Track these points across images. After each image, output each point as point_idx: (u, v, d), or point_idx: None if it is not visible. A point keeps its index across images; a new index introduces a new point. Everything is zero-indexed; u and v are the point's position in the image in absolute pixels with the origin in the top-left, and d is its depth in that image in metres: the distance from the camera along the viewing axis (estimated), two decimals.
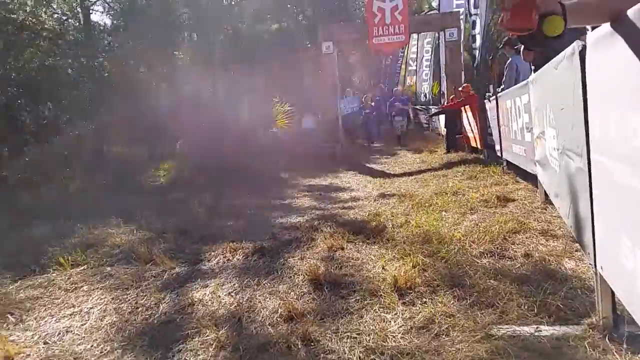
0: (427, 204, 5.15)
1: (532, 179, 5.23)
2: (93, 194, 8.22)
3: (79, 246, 4.47)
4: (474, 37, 13.07)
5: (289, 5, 19.85)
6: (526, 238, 3.57)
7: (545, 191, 4.34)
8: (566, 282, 2.75)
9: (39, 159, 9.69)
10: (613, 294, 2.08)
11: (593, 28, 1.83)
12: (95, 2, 13.69)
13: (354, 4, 23.28)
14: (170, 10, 12.53)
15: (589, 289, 2.60)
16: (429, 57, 18.82)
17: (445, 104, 11.95)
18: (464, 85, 10.40)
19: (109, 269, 3.85)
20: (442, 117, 12.16)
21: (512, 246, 3.42)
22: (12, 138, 10.36)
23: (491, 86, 9.16)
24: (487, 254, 3.29)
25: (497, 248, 3.39)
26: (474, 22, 13.02)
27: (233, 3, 16.16)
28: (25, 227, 5.76)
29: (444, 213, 4.68)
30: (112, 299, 3.20)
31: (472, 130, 9.44)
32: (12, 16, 10.71)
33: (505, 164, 6.79)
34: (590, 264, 2.42)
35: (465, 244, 3.51)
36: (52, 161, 9.81)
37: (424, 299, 2.69)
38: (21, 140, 10.43)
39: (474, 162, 7.91)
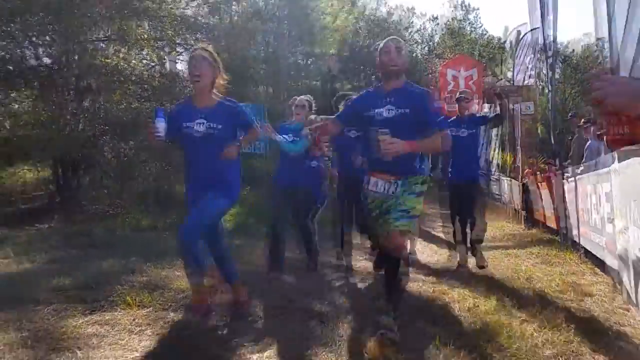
0: (497, 288, 4.93)
1: (613, 271, 4.89)
2: (163, 233, 8.55)
3: (147, 286, 4.61)
4: (550, 111, 12.87)
5: (362, 66, 20.52)
6: (606, 344, 3.31)
7: (627, 291, 4.04)
8: None
9: (116, 193, 10.31)
10: None
11: None
12: (181, 52, 14.83)
13: (425, 69, 23.70)
14: (249, 65, 13.31)
15: None
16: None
17: (521, 177, 11.60)
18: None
19: (172, 314, 3.92)
20: (517, 190, 11.78)
21: (590, 352, 3.17)
22: (93, 170, 11.13)
23: (567, 163, 8.84)
24: (560, 357, 3.06)
25: (572, 352, 3.14)
26: (549, 99, 12.87)
27: (309, 62, 16.98)
28: (99, 260, 6.03)
29: (515, 301, 4.45)
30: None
31: (548, 208, 9.07)
32: (107, 61, 11.78)
33: (583, 251, 6.41)
34: None
35: (538, 342, 3.30)
36: (128, 197, 10.37)
37: None
38: (101, 174, 11.18)
39: (548, 244, 7.53)
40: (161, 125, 3.50)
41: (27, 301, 3.96)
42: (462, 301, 4.38)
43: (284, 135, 5.18)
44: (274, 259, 5.45)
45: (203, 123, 3.59)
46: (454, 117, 6.08)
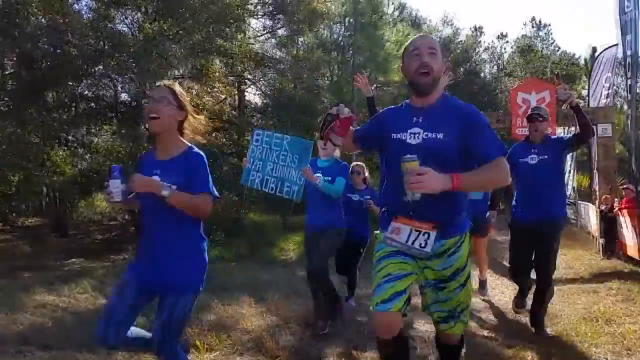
0: (573, 332, 4.57)
1: None
2: (229, 264, 8.76)
3: (214, 327, 4.67)
4: (630, 129, 12.05)
5: None
6: None
7: None
8: None
9: None
10: None
11: None
12: (249, 85, 15.49)
13: (494, 88, 23.04)
14: (313, 95, 13.61)
15: None
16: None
17: (598, 202, 10.88)
18: None
19: (238, 358, 3.98)
20: (594, 216, 11.04)
21: None
22: None
23: None
24: None
25: None
26: (628, 115, 12.06)
27: (373, 89, 17.07)
28: None
29: (594, 349, 4.12)
30: None
31: (629, 237, 8.42)
32: None
33: None
34: None
35: None
36: None
37: None
38: None
39: (631, 278, 6.94)
40: (116, 185, 2.62)
41: None
42: (535, 349, 4.09)
43: (319, 173, 4.49)
44: (317, 311, 4.85)
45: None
46: (521, 141, 4.79)
